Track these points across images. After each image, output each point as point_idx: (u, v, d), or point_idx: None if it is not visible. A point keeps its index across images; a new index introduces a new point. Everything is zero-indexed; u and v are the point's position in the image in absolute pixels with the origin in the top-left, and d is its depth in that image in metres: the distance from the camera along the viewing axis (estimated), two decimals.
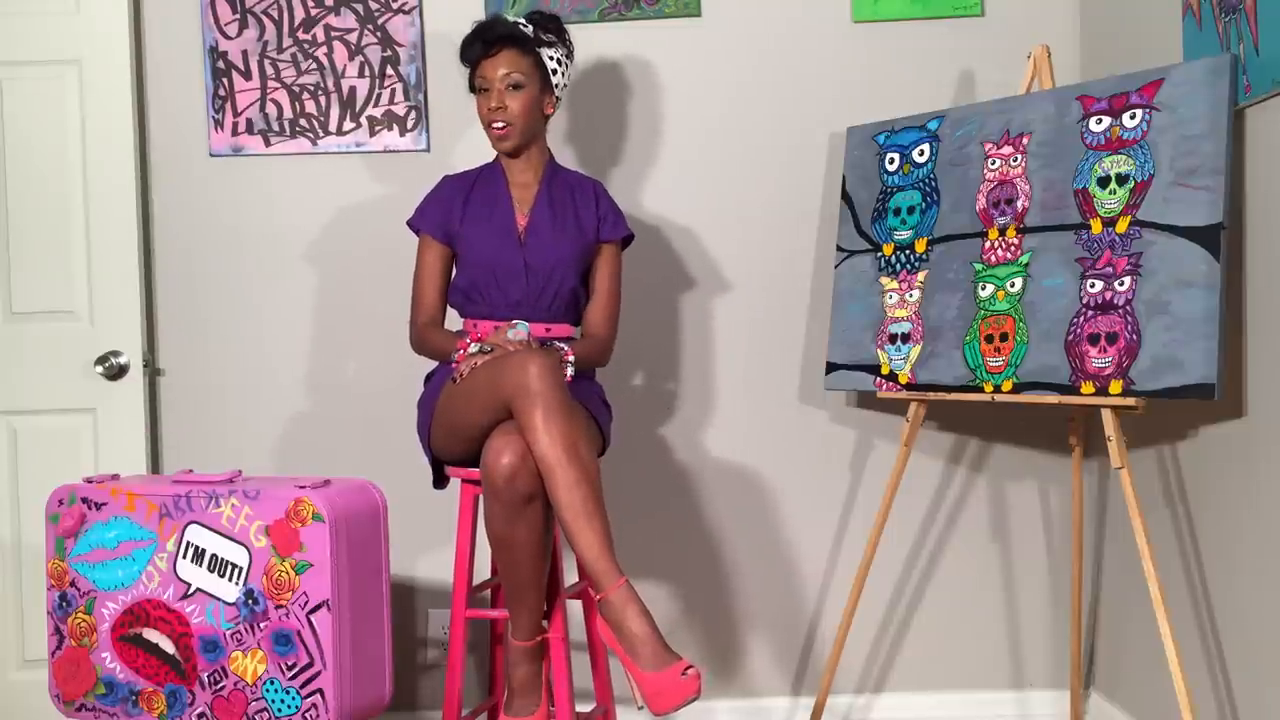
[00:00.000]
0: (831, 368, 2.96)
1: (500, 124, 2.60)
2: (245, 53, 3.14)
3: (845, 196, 3.00)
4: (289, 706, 2.37)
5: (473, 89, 2.67)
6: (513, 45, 2.59)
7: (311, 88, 3.15)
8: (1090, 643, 3.14)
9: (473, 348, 2.49)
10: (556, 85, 2.67)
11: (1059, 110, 2.57)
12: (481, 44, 2.59)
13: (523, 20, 2.63)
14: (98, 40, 3.06)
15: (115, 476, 2.62)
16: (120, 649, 2.49)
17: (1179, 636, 2.62)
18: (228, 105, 3.14)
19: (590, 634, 2.70)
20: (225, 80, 3.14)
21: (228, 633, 2.40)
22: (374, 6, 3.14)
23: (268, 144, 3.15)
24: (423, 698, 3.20)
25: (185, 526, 2.44)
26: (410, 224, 2.72)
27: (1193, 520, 2.56)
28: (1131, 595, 2.88)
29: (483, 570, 3.01)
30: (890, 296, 2.85)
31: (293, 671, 2.36)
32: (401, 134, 3.15)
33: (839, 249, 3.00)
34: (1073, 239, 2.50)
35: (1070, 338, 2.46)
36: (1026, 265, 2.58)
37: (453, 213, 2.68)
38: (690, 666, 2.15)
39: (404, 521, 3.12)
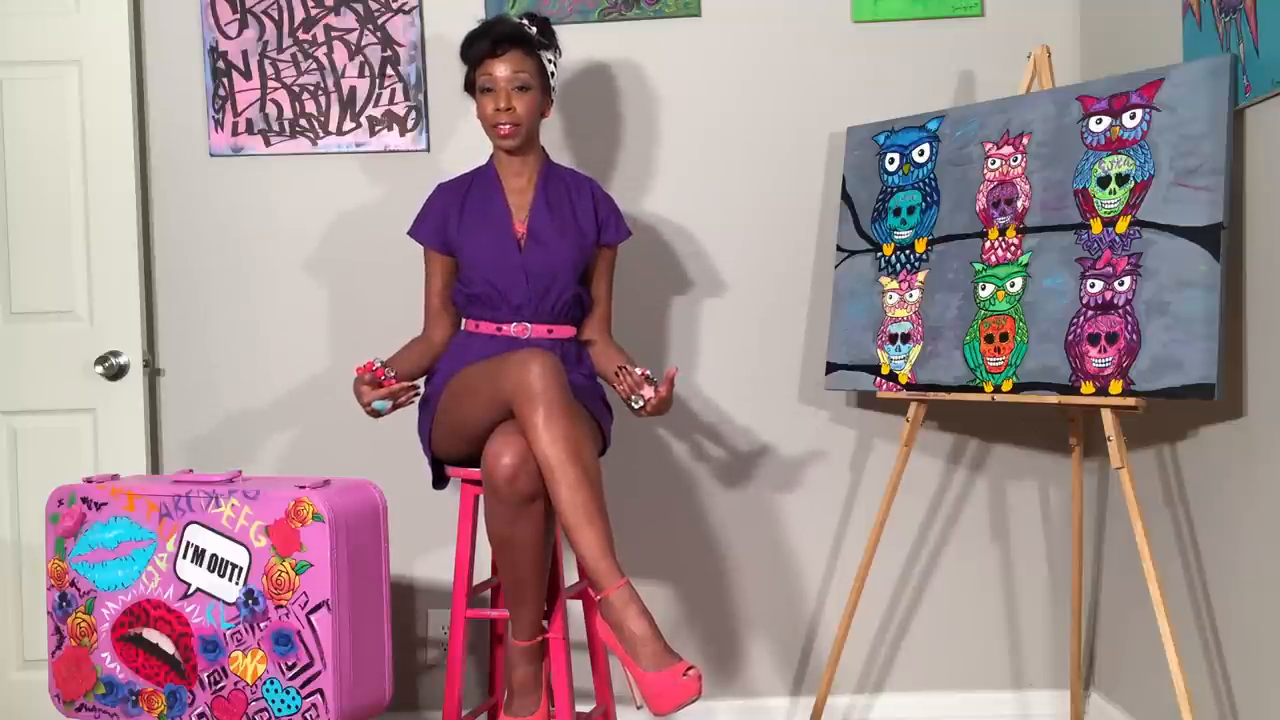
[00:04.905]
0: (831, 368, 2.96)
1: (507, 124, 2.59)
2: (245, 53, 3.14)
3: (845, 197, 3.00)
4: (289, 706, 2.37)
5: (469, 88, 2.66)
6: (519, 46, 2.58)
7: (311, 88, 3.15)
8: (1090, 643, 3.14)
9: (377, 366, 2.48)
10: (553, 88, 2.68)
11: (1059, 110, 2.57)
12: (489, 43, 2.57)
13: (525, 21, 2.63)
14: (98, 40, 3.06)
15: (115, 476, 2.62)
16: (120, 649, 2.49)
17: (1179, 636, 2.62)
18: (228, 105, 3.14)
19: (590, 634, 2.70)
20: (225, 80, 3.14)
21: (228, 633, 2.40)
22: (374, 6, 3.14)
23: (268, 144, 3.15)
24: (423, 698, 3.20)
25: (185, 526, 2.44)
26: (411, 235, 2.73)
27: (1193, 520, 2.56)
28: (1131, 595, 2.88)
29: (483, 570, 3.01)
30: (890, 296, 2.85)
31: (293, 671, 2.36)
32: (401, 134, 3.15)
33: (839, 249, 3.00)
34: (1073, 239, 2.50)
35: (1070, 338, 2.46)
36: (1026, 265, 2.58)
37: (449, 221, 2.68)
38: (691, 667, 2.15)
39: (404, 521, 3.12)
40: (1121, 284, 2.39)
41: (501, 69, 2.57)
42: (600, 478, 2.34)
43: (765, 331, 3.17)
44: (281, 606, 2.36)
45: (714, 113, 3.16)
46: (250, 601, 2.38)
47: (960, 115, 2.78)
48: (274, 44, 3.14)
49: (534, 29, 2.62)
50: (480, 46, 2.58)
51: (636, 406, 2.47)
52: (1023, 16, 3.11)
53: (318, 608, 2.34)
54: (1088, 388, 2.41)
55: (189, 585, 2.43)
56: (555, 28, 2.73)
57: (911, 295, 2.81)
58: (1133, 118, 2.43)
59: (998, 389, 2.58)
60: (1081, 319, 2.45)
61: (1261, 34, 2.21)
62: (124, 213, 3.08)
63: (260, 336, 3.18)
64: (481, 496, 2.51)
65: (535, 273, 2.61)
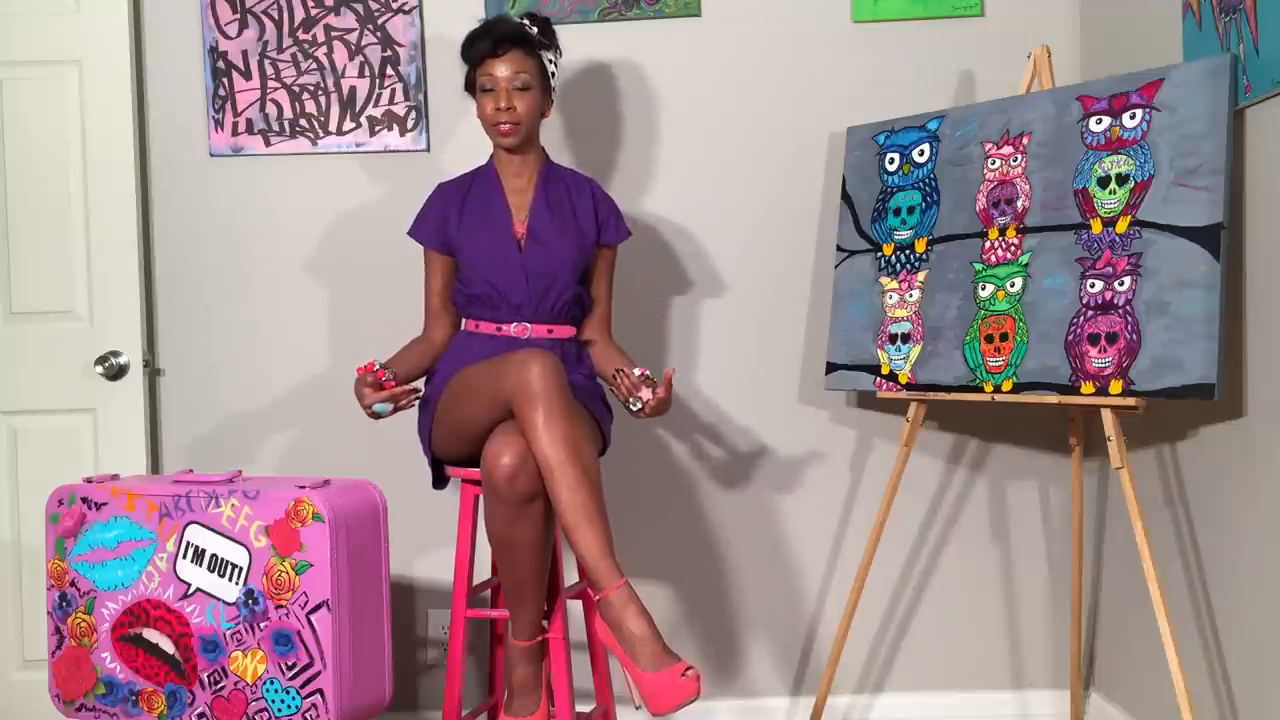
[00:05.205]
0: (831, 368, 2.96)
1: (507, 123, 2.59)
2: (245, 53, 3.14)
3: (845, 196, 3.00)
4: (289, 706, 2.37)
5: (469, 87, 2.66)
6: (520, 46, 2.58)
7: (311, 88, 3.15)
8: (1090, 643, 3.14)
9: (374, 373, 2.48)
10: (553, 89, 2.68)
11: (1059, 110, 2.57)
12: (490, 43, 2.58)
13: (526, 21, 2.63)
14: (98, 40, 3.05)
15: (115, 476, 2.62)
16: (120, 649, 2.49)
17: (1179, 636, 2.62)
18: (228, 105, 3.14)
19: (590, 634, 2.70)
20: (225, 80, 3.14)
21: (228, 633, 2.40)
22: (374, 6, 3.14)
23: (268, 144, 3.15)
24: (423, 698, 3.20)
25: (185, 526, 2.44)
26: (411, 236, 2.73)
27: (1193, 520, 2.56)
28: (1131, 595, 2.88)
29: (483, 570, 3.01)
30: (890, 296, 2.85)
31: (293, 671, 2.36)
32: (401, 134, 3.15)
33: (839, 249, 3.00)
34: (1073, 239, 2.50)
35: (1070, 338, 2.46)
36: (1026, 265, 2.58)
37: (449, 222, 2.68)
38: (690, 667, 2.15)
39: (404, 521, 3.12)
40: (1121, 284, 2.39)
41: (502, 69, 2.57)
42: (600, 478, 2.34)
43: (765, 331, 3.17)
44: (281, 606, 2.36)
45: (714, 113, 3.16)
46: (250, 601, 2.38)
47: (960, 115, 2.78)
48: (274, 44, 3.14)
49: (534, 29, 2.62)
50: (481, 46, 2.58)
51: (634, 409, 2.47)
52: (1023, 16, 3.11)
53: (318, 608, 2.34)
54: (1088, 388, 2.41)
55: (189, 585, 2.43)
56: (555, 28, 2.73)
57: (911, 295, 2.81)
58: (1133, 118, 2.43)
59: (998, 389, 2.58)
60: (1081, 319, 2.45)
61: (1261, 34, 2.20)
62: (124, 213, 3.08)
63: (260, 336, 3.18)
64: (481, 496, 2.51)
65: (535, 273, 2.62)
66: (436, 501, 3.13)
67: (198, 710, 2.43)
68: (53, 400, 3.09)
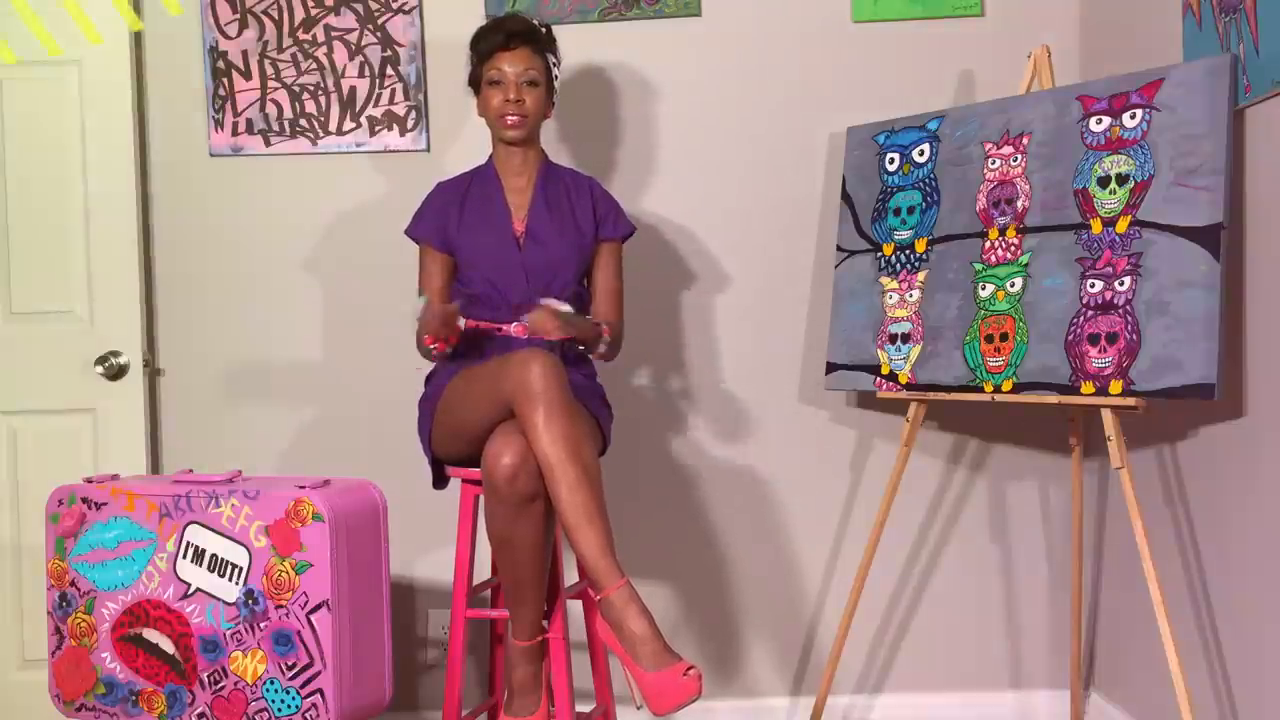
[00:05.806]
0: (831, 368, 2.96)
1: (515, 114, 2.60)
2: (245, 53, 3.14)
3: (845, 196, 3.00)
4: (289, 706, 2.37)
5: (473, 83, 2.67)
6: (531, 43, 2.62)
7: (311, 88, 3.15)
8: (1090, 643, 3.14)
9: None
10: (555, 91, 2.69)
11: (1059, 110, 2.57)
12: (503, 37, 2.59)
13: (535, 21, 2.66)
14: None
15: (115, 476, 2.62)
16: (120, 649, 2.49)
17: (1179, 636, 2.62)
18: (228, 105, 3.14)
19: (590, 634, 2.70)
20: (225, 80, 3.14)
21: (228, 633, 2.40)
22: (374, 6, 3.14)
23: (268, 144, 3.15)
24: (423, 698, 3.20)
25: (185, 526, 2.44)
26: (408, 234, 2.73)
27: (1193, 520, 2.56)
28: (1131, 595, 2.88)
29: (483, 570, 3.01)
30: (890, 296, 2.85)
31: (293, 671, 2.36)
32: (401, 134, 3.15)
33: (839, 249, 3.00)
34: (1073, 239, 2.50)
35: (1070, 338, 2.46)
36: (1026, 265, 2.58)
37: (448, 220, 2.68)
38: (691, 667, 2.15)
39: (404, 521, 3.12)
40: (1121, 284, 2.39)
41: (513, 63, 2.59)
42: (600, 477, 2.34)
43: (765, 331, 3.17)
44: (281, 606, 2.36)
45: (714, 113, 3.16)
46: (250, 601, 2.38)
47: (960, 115, 2.78)
48: (274, 44, 3.14)
49: (544, 30, 2.65)
50: (493, 40, 2.61)
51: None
52: (1023, 16, 3.11)
53: (318, 608, 2.34)
54: (1088, 388, 2.41)
55: (189, 585, 2.43)
56: (556, 28, 2.76)
57: (911, 295, 2.81)
58: (1133, 118, 2.43)
59: (998, 389, 2.58)
60: (1081, 319, 2.45)
61: (1261, 34, 2.21)
62: (124, 213, 3.08)
63: (260, 336, 3.18)
64: (481, 496, 2.51)
65: (535, 272, 2.62)
66: (436, 501, 3.13)
67: (198, 710, 2.43)
68: (53, 400, 3.09)
